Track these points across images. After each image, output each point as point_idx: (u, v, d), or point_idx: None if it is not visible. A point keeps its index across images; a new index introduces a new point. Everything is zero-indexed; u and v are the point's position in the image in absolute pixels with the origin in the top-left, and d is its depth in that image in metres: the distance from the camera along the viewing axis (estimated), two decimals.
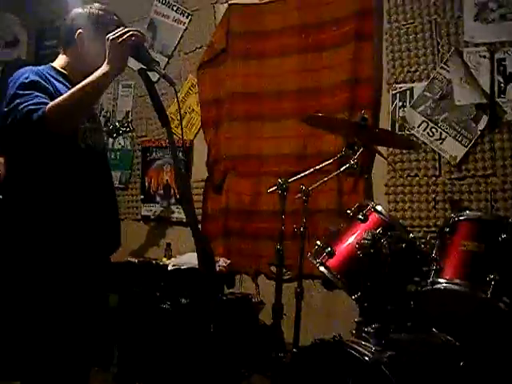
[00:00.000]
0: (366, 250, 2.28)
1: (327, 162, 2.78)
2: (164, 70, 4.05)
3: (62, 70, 2.06)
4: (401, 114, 3.32)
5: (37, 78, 1.90)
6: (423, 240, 2.46)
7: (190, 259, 3.41)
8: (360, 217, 2.50)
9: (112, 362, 3.36)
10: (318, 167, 2.77)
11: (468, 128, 3.08)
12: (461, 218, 2.32)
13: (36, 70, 1.95)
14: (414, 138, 3.22)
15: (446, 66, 3.17)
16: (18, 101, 1.81)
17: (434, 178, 3.19)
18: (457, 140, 3.11)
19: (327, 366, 2.11)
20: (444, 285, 2.19)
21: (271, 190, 2.75)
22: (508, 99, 2.98)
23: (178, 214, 4.22)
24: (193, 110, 4.23)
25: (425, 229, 3.17)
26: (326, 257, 2.48)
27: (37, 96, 1.83)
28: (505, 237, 2.16)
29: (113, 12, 2.12)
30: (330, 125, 3.01)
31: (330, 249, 2.47)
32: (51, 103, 1.79)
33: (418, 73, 3.27)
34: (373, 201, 2.80)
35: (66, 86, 1.98)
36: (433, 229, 3.10)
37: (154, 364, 3.23)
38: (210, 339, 2.35)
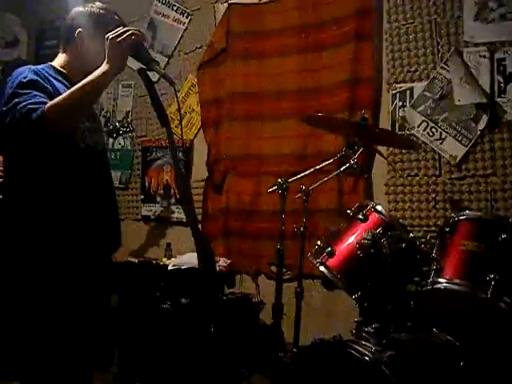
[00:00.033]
0: (366, 249, 2.28)
1: (327, 162, 2.78)
2: (164, 69, 4.05)
3: (61, 69, 2.06)
4: (401, 114, 3.32)
5: (35, 78, 1.89)
6: (423, 240, 2.47)
7: (190, 259, 3.41)
8: (360, 217, 2.50)
9: (112, 362, 3.36)
10: (318, 167, 2.77)
11: (468, 128, 3.08)
12: (461, 217, 2.32)
13: (35, 69, 1.94)
14: (414, 138, 3.22)
15: (445, 66, 3.17)
16: (16, 100, 1.80)
17: (434, 178, 3.19)
18: (457, 140, 3.11)
19: (327, 365, 2.11)
20: (444, 285, 2.19)
21: (271, 189, 2.75)
22: (508, 99, 2.98)
23: (178, 213, 4.22)
24: (193, 109, 4.23)
25: (425, 228, 3.17)
26: (326, 256, 2.48)
27: (36, 95, 1.82)
28: (505, 236, 2.16)
29: (113, 11, 2.12)
30: (330, 125, 3.01)
31: (330, 248, 2.48)
32: (50, 102, 1.78)
33: (417, 73, 3.27)
34: (373, 201, 2.80)
35: (65, 86, 1.97)
36: (433, 228, 3.10)
37: (154, 364, 3.23)
38: (210, 339, 2.35)
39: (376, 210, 2.49)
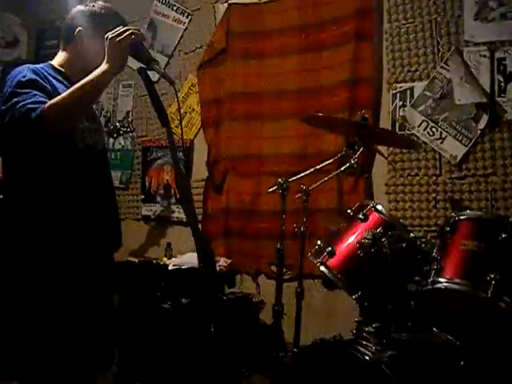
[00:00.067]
0: (367, 249, 2.28)
1: (327, 162, 2.77)
2: (164, 69, 4.05)
3: (60, 68, 2.05)
4: (401, 114, 3.32)
5: (34, 77, 1.88)
6: (424, 239, 2.48)
7: (190, 259, 3.41)
8: (360, 216, 2.50)
9: (112, 362, 3.36)
10: (318, 167, 2.77)
11: (468, 127, 3.08)
12: (461, 217, 2.32)
13: (34, 68, 1.94)
14: (415, 138, 3.22)
15: (446, 66, 3.17)
16: (15, 99, 1.80)
17: (434, 178, 3.19)
18: (457, 139, 3.11)
19: (328, 365, 2.11)
20: (444, 284, 2.19)
21: (271, 189, 2.75)
22: (508, 98, 2.98)
23: (179, 213, 4.22)
24: (193, 109, 4.23)
25: (425, 228, 3.17)
26: (327, 256, 2.48)
27: (35, 95, 1.81)
28: (505, 236, 2.16)
29: (114, 10, 2.12)
30: (330, 124, 3.01)
31: (330, 248, 2.48)
32: (50, 102, 1.77)
33: (418, 72, 3.27)
34: (373, 200, 2.80)
35: (65, 85, 1.96)
36: (433, 228, 3.10)
37: (154, 364, 3.23)
38: (211, 339, 2.35)
39: (376, 210, 2.49)
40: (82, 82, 1.80)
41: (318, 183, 2.75)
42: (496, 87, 3.01)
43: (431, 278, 2.23)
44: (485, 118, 3.02)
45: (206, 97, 4.16)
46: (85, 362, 1.98)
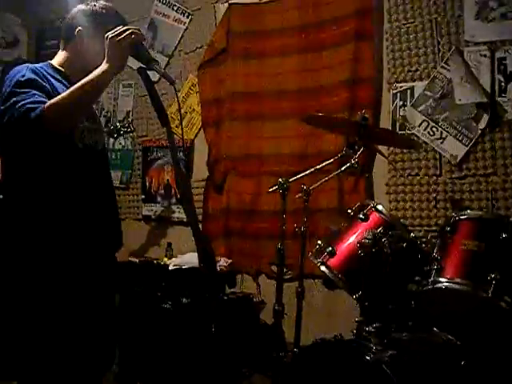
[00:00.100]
0: (367, 249, 2.28)
1: (328, 162, 2.77)
2: (164, 69, 4.05)
3: (60, 68, 2.05)
4: (401, 114, 3.32)
5: (33, 76, 1.87)
6: (424, 239, 2.48)
7: (191, 259, 3.41)
8: (361, 216, 2.50)
9: (113, 362, 3.36)
10: (318, 167, 2.77)
11: (469, 127, 3.08)
12: (461, 217, 2.33)
13: (33, 67, 1.93)
14: (415, 138, 3.22)
15: (446, 65, 3.16)
16: (14, 99, 1.78)
17: (434, 178, 3.19)
18: (457, 139, 3.11)
19: (328, 365, 2.11)
20: (445, 284, 2.19)
21: (272, 189, 2.75)
22: (509, 98, 2.98)
23: (179, 213, 4.22)
24: (193, 109, 4.23)
25: (426, 228, 3.17)
26: (327, 256, 2.48)
27: (34, 94, 1.80)
28: (505, 236, 2.16)
29: (115, 10, 2.11)
30: (330, 124, 3.02)
31: (330, 248, 2.48)
32: (50, 102, 1.76)
33: (418, 72, 3.27)
34: (374, 200, 2.80)
35: (64, 85, 1.96)
36: (434, 228, 3.10)
37: (155, 364, 3.23)
38: (211, 339, 2.35)
39: (377, 210, 2.49)
40: (82, 81, 1.79)
41: (319, 183, 2.75)
42: (496, 87, 3.01)
43: (432, 278, 2.24)
44: (485, 118, 3.02)
45: (206, 97, 4.16)
46: (87, 363, 1.97)
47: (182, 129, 3.45)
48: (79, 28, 2.04)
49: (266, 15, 3.87)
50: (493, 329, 2.27)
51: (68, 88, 1.84)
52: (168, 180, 4.35)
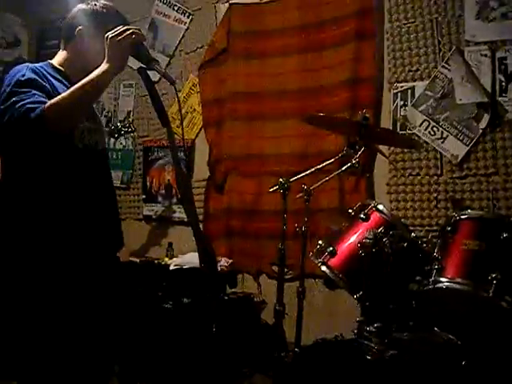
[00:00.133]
0: (368, 249, 2.28)
1: (328, 162, 2.77)
2: (165, 69, 4.03)
3: (60, 68, 2.04)
4: (402, 113, 3.32)
5: (33, 76, 1.87)
6: (425, 239, 2.48)
7: (191, 259, 3.41)
8: (362, 216, 2.50)
9: (115, 363, 3.36)
10: (319, 167, 2.77)
11: (469, 127, 3.08)
12: (462, 216, 2.33)
13: (33, 67, 1.92)
14: (416, 137, 3.22)
15: (447, 65, 3.16)
16: (14, 99, 1.77)
17: (435, 177, 3.19)
18: (458, 139, 3.11)
19: (329, 365, 2.11)
20: (446, 284, 2.19)
21: (273, 189, 2.75)
22: (509, 98, 2.98)
23: (180, 213, 4.22)
24: (194, 109, 4.23)
25: (426, 228, 3.17)
26: (328, 256, 2.48)
27: (35, 94, 1.79)
28: (506, 235, 2.16)
29: (116, 9, 2.11)
30: (331, 124, 3.02)
31: (331, 248, 2.48)
32: (50, 102, 1.75)
33: (419, 72, 3.27)
34: (374, 200, 2.80)
35: (64, 84, 1.95)
36: (434, 228, 3.10)
37: (156, 363, 3.23)
38: (212, 339, 2.35)
39: (378, 210, 2.49)
40: (83, 81, 1.79)
41: (319, 183, 2.75)
42: (497, 87, 3.01)
43: (432, 278, 2.23)
44: (486, 118, 3.02)
45: (207, 97, 4.16)
46: (87, 363, 1.97)
47: (182, 129, 3.45)
48: (79, 27, 2.03)
49: (266, 15, 3.87)
50: (494, 329, 2.26)
51: (68, 88, 1.83)
52: (169, 180, 4.35)
